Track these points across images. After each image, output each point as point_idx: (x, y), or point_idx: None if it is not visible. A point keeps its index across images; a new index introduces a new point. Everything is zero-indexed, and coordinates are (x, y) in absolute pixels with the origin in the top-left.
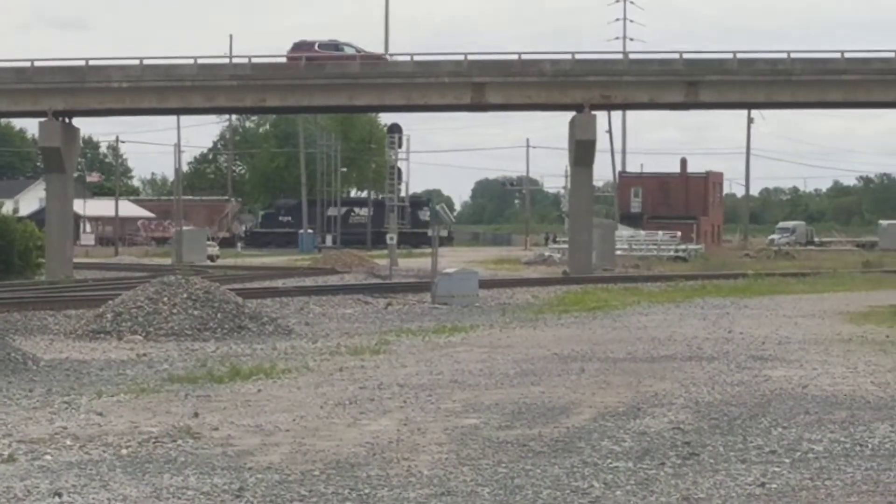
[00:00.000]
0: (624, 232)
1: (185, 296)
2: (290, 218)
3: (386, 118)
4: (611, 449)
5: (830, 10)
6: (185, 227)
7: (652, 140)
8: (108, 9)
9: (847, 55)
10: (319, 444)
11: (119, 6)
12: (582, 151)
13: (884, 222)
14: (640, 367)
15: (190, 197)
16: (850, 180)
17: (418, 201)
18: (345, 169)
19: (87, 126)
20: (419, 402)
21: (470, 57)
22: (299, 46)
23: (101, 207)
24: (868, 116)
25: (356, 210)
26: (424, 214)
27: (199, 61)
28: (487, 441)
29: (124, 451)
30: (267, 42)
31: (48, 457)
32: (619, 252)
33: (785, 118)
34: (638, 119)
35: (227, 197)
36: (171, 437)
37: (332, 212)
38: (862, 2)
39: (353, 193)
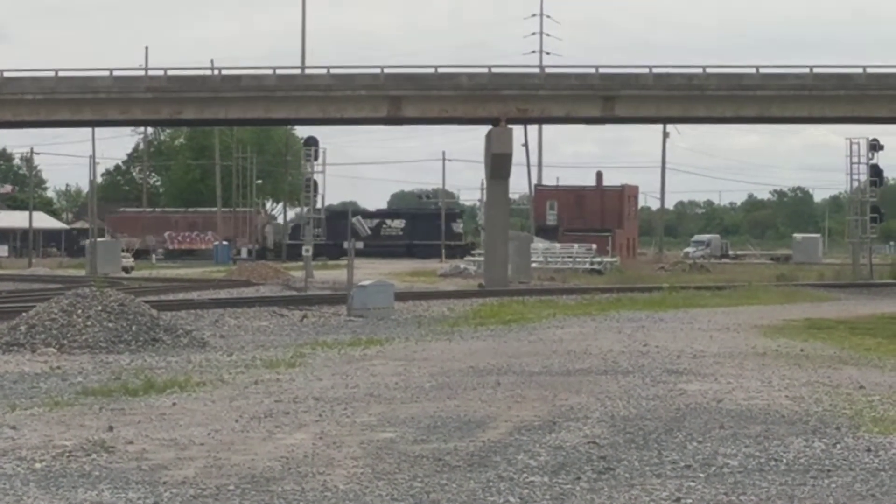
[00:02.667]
0: (539, 245)
1: (99, 308)
2: (319, 230)
3: (302, 131)
4: (526, 463)
5: (746, 26)
6: (96, 239)
7: (568, 153)
8: (28, 21)
9: (762, 71)
10: (234, 458)
11: (38, 18)
12: (498, 164)
13: (798, 236)
14: (556, 380)
15: (214, 209)
16: (764, 194)
17: (452, 213)
18: (260, 181)
19: (0, 138)
20: (335, 416)
21: (387, 70)
22: None
23: (16, 219)
24: (786, 132)
25: (388, 222)
26: (458, 226)
27: (115, 73)
28: (403, 455)
29: (38, 465)
30: (183, 54)
31: None
32: (534, 265)
33: (701, 132)
34: (554, 132)
35: (256, 209)
36: (85, 450)
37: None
38: (777, 18)
39: (269, 206)
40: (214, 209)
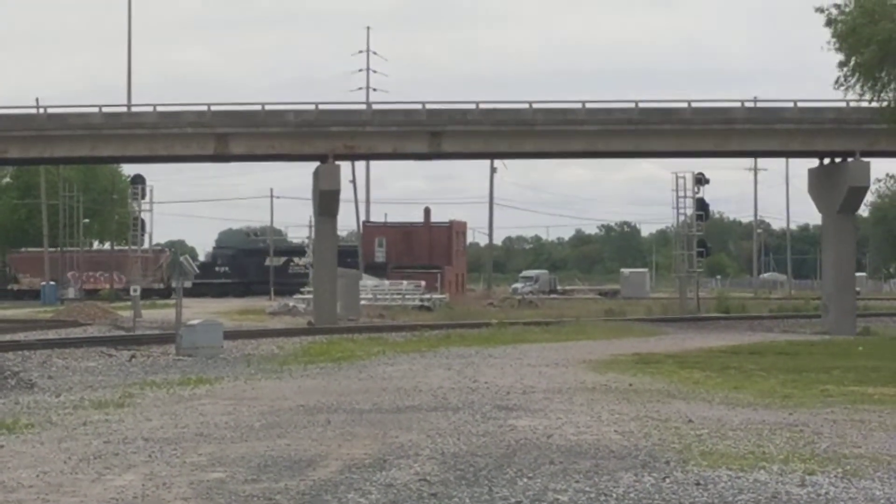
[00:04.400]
0: (368, 282)
1: None
2: (227, 268)
3: (129, 169)
4: (357, 501)
5: (575, 60)
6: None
7: (397, 189)
8: None
9: (588, 105)
10: (64, 500)
11: None
12: (326, 201)
13: (625, 271)
14: (386, 417)
15: (123, 247)
16: (591, 229)
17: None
18: (87, 220)
19: None
20: (164, 456)
21: (213, 107)
22: None
23: None
24: (614, 166)
25: (296, 260)
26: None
27: None
28: (234, 495)
29: None
30: (7, 93)
31: None
32: (363, 302)
33: (529, 167)
34: (384, 169)
35: (161, 247)
36: None
37: (269, 262)
38: (604, 52)
39: (96, 245)
40: (122, 248)
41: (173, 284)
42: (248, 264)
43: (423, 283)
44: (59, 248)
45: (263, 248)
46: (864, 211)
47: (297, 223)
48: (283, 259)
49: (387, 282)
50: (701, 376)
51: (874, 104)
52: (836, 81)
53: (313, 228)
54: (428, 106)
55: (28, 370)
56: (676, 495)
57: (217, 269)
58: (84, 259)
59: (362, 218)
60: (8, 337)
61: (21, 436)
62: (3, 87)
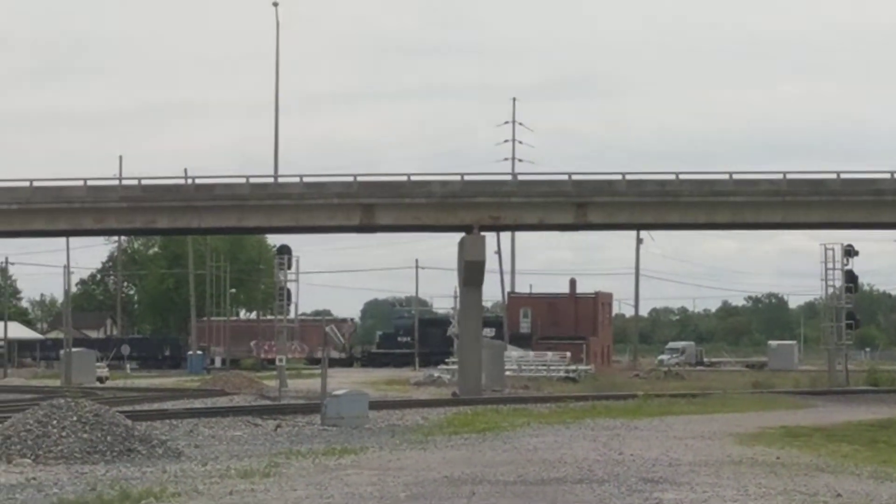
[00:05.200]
0: (513, 353)
1: (74, 419)
2: (408, 338)
3: (275, 239)
4: None
5: (719, 131)
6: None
7: (542, 260)
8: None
9: (735, 177)
10: None
11: (9, 127)
12: (471, 272)
13: (773, 343)
14: (531, 489)
15: (304, 317)
16: (739, 301)
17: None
18: (234, 290)
19: None
20: None
21: (359, 178)
22: None
23: None
24: (761, 237)
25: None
26: None
27: (89, 183)
28: None
29: None
30: (157, 163)
31: None
32: (508, 373)
33: (675, 238)
34: (528, 239)
35: (345, 317)
36: None
37: (450, 331)
38: (751, 123)
39: (242, 315)
40: (304, 319)
41: (355, 353)
42: (429, 335)
43: (568, 354)
44: (239, 318)
45: (444, 319)
46: None
47: (440, 293)
48: None
49: (532, 353)
50: (849, 450)
51: None
52: None
53: (458, 299)
54: (574, 177)
55: (175, 439)
56: None
57: (399, 339)
58: (267, 328)
59: (507, 288)
60: (156, 405)
61: None
62: (153, 158)
